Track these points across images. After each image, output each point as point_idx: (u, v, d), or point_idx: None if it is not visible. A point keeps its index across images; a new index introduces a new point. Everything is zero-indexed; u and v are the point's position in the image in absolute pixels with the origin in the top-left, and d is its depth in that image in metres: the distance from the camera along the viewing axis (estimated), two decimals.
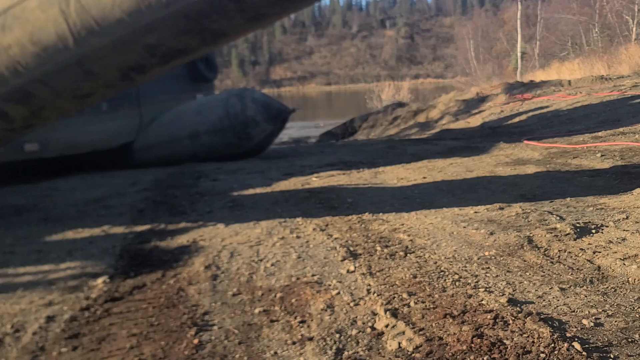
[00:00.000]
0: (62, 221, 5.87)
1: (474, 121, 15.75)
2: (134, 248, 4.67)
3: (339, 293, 3.35)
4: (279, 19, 5.40)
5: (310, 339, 2.76)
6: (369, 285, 3.43)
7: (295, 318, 3.03)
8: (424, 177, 7.22)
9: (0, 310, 3.34)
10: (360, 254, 4.07)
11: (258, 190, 7.22)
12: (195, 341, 2.79)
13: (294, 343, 2.73)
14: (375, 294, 3.27)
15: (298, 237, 4.69)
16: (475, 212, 5.13)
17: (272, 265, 3.97)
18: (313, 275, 3.69)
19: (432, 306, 3.06)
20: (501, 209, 5.18)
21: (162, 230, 5.28)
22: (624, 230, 4.26)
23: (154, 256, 4.43)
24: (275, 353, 2.65)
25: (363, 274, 3.64)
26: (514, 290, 3.25)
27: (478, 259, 3.85)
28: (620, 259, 3.64)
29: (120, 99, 10.06)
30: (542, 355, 2.45)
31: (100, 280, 3.80)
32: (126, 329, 3.01)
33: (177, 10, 4.39)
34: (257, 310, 3.16)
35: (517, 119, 14.31)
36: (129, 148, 11.01)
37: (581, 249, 3.91)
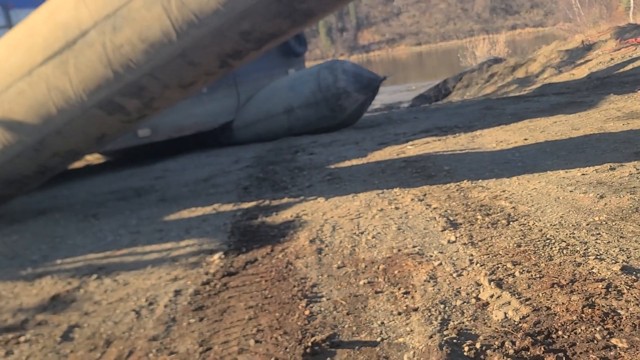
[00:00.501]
0: (177, 201, 6.38)
1: (580, 72, 14.67)
2: (243, 224, 5.01)
3: (440, 264, 3.41)
4: None
5: (415, 309, 2.86)
6: (471, 255, 3.45)
7: (399, 289, 3.14)
8: (525, 139, 6.93)
9: (135, 285, 3.78)
10: (461, 224, 4.08)
11: (354, 162, 7.35)
12: (307, 312, 3.00)
13: (399, 314, 2.85)
14: (478, 264, 3.29)
15: (396, 208, 4.76)
16: (583, 175, 4.90)
17: (373, 237, 4.09)
18: (414, 247, 3.77)
19: (538, 276, 3.03)
20: (612, 169, 4.90)
21: (266, 206, 5.59)
22: None
23: (262, 232, 4.73)
24: (382, 323, 2.79)
25: (464, 244, 3.66)
26: (628, 257, 3.12)
27: (587, 224, 3.71)
28: None
29: (218, 82, 10.55)
30: None
31: (216, 257, 4.14)
32: (243, 302, 3.29)
33: None
34: (361, 282, 3.31)
35: (629, 67, 13.13)
36: (229, 127, 11.58)
37: None
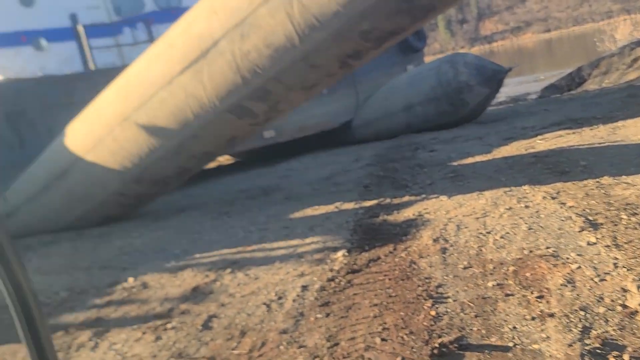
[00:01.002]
0: (301, 199, 6.61)
1: None
2: (365, 223, 5.05)
3: (579, 267, 3.16)
4: None
5: (551, 315, 2.69)
6: (616, 258, 3.16)
7: (532, 293, 2.97)
8: None
9: (265, 279, 3.98)
10: (602, 224, 3.75)
11: (478, 159, 7.08)
12: (433, 313, 2.96)
13: (533, 318, 2.70)
14: (625, 269, 3.01)
15: (526, 206, 4.51)
16: None
17: (501, 237, 3.91)
18: (547, 248, 3.54)
19: None
20: None
21: (388, 204, 5.58)
22: None
23: (384, 230, 4.73)
24: (514, 328, 2.66)
25: (607, 246, 3.37)
26: None
27: None
28: None
29: (337, 82, 10.76)
30: None
31: (340, 254, 4.23)
32: (368, 299, 3.32)
33: None
34: (490, 284, 3.19)
35: None
36: (349, 126, 11.74)
37: None
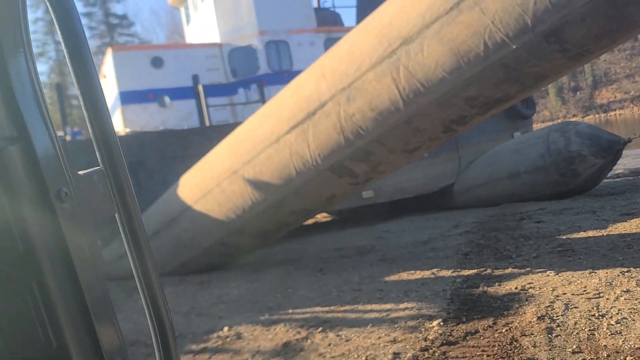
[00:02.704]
0: (396, 262, 6.50)
1: None
2: (463, 292, 4.84)
3: None
4: (607, 51, 4.97)
5: None
6: None
7: None
8: None
9: (356, 342, 3.91)
10: None
11: (590, 234, 6.58)
12: None
13: None
14: None
15: None
16: None
17: (617, 322, 3.56)
18: None
19: None
20: None
21: (488, 275, 5.32)
22: None
23: (483, 302, 4.50)
24: None
25: None
26: None
27: None
28: None
29: (440, 145, 10.69)
30: None
31: (435, 323, 4.06)
32: None
33: (495, 61, 4.51)
34: None
35: None
36: (449, 190, 11.49)
37: None
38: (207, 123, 10.34)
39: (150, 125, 11.02)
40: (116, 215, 0.70)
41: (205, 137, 8.29)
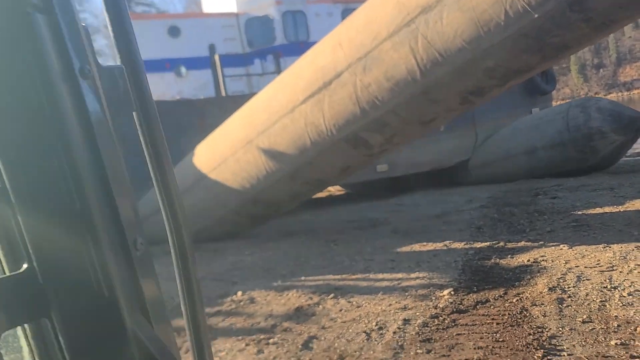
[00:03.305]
0: (409, 234, 6.52)
1: None
2: (474, 264, 4.86)
3: None
4: (631, 22, 4.84)
5: None
6: None
7: None
8: None
9: (367, 308, 3.96)
10: None
11: (606, 210, 6.52)
12: None
13: None
14: None
15: None
16: None
17: (629, 294, 3.56)
18: None
19: None
20: None
21: (501, 247, 5.32)
22: None
23: (495, 273, 4.51)
24: None
25: None
26: None
27: None
28: None
29: (456, 120, 10.56)
30: None
31: (445, 292, 4.09)
32: (472, 341, 3.17)
33: (515, 30, 4.43)
34: (612, 342, 2.90)
35: None
36: (464, 166, 11.41)
37: None
38: (223, 93, 10.33)
39: (167, 94, 11.04)
40: (134, 115, 0.71)
41: (221, 108, 8.31)
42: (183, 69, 11.42)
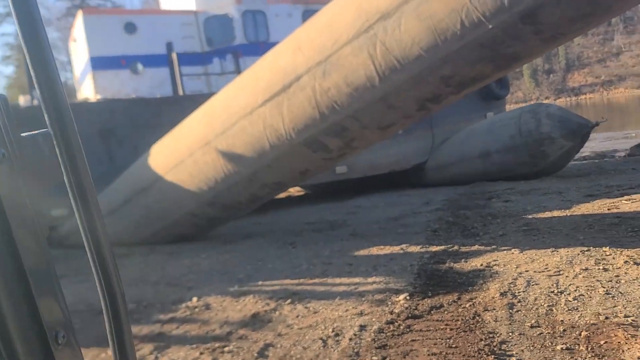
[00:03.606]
0: (367, 237, 6.58)
1: None
2: (430, 268, 4.95)
3: None
4: (580, 35, 5.03)
5: None
6: None
7: None
8: None
9: (324, 314, 3.98)
10: None
11: (555, 214, 6.77)
12: None
13: None
14: None
15: (605, 269, 4.24)
16: None
17: (574, 299, 3.70)
18: (626, 317, 3.31)
19: None
20: None
21: (455, 251, 5.44)
22: None
23: (449, 277, 4.61)
24: None
25: None
26: None
27: None
28: None
29: (414, 123, 10.75)
30: None
31: (401, 297, 4.15)
32: (426, 347, 3.23)
33: (471, 40, 4.53)
34: (558, 347, 3.01)
35: None
36: (422, 168, 11.62)
37: None
38: (181, 92, 10.15)
39: (122, 92, 10.76)
40: (65, 180, 0.66)
41: (178, 107, 8.16)
42: (140, 66, 11.16)
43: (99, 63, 10.73)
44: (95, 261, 0.69)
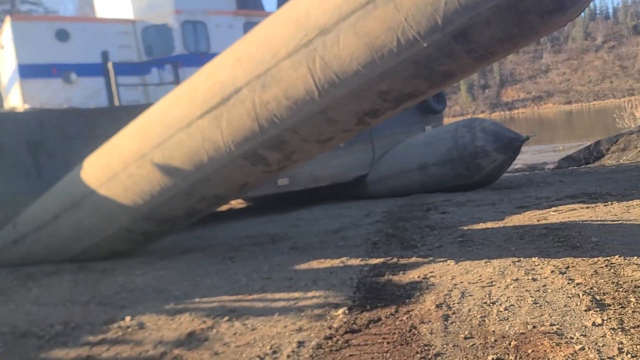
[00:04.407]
0: (307, 251, 6.57)
1: None
2: (369, 281, 4.98)
3: (583, 348, 3.06)
4: (509, 54, 5.27)
5: None
6: (621, 343, 3.06)
7: None
8: None
9: (262, 331, 3.91)
10: (609, 305, 3.66)
11: (489, 225, 7.02)
12: None
13: None
14: (629, 355, 2.91)
15: (534, 279, 4.42)
16: None
17: (505, 309, 3.83)
18: (552, 325, 3.45)
19: None
20: None
21: (394, 264, 5.52)
22: None
23: (387, 290, 4.66)
24: None
25: (613, 329, 3.27)
26: None
27: None
28: None
29: (355, 136, 10.90)
30: None
31: (340, 311, 4.15)
32: None
33: (407, 57, 4.64)
34: (490, 358, 3.09)
35: None
36: (363, 180, 11.78)
37: None
38: (117, 103, 9.83)
39: (53, 102, 10.29)
40: None
41: (113, 118, 7.87)
42: (73, 75, 10.72)
43: (28, 71, 10.23)
44: None
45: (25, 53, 10.14)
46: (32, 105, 9.93)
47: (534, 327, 3.45)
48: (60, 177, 7.09)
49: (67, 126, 8.47)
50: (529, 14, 4.18)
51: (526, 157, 22.88)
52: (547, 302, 3.86)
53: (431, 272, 5.00)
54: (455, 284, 4.54)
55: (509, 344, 3.24)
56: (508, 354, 3.12)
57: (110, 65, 9.71)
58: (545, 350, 3.10)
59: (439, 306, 4.03)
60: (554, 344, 3.17)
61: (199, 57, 10.92)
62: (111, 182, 6.37)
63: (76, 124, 8.54)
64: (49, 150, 8.36)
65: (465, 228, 6.97)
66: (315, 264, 5.80)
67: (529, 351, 3.12)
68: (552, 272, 4.52)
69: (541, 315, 3.62)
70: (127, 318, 4.40)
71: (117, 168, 6.34)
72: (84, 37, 10.73)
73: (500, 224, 6.99)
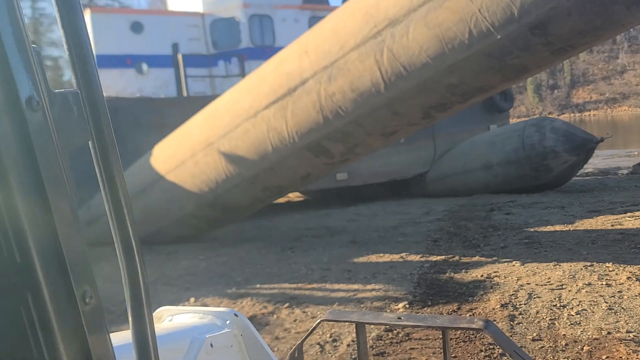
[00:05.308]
0: (366, 245, 6.54)
1: None
2: (430, 277, 4.90)
3: None
4: (589, 48, 5.01)
5: None
6: None
7: None
8: None
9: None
10: None
11: (557, 228, 6.72)
12: None
13: None
14: None
15: (608, 285, 4.19)
16: None
17: (576, 313, 3.65)
18: (628, 332, 3.26)
19: None
20: None
21: (456, 262, 5.39)
22: None
23: (449, 287, 4.56)
24: None
25: None
26: None
27: None
28: None
29: (416, 133, 10.72)
30: None
31: (400, 305, 4.10)
32: (425, 356, 3.18)
33: (479, 50, 4.50)
34: None
35: None
36: (423, 178, 11.57)
37: None
38: (185, 93, 10.12)
39: (127, 91, 10.75)
40: (90, 144, 0.64)
41: (182, 108, 8.13)
42: (145, 66, 11.14)
43: (104, 61, 10.72)
44: (117, 234, 0.66)
45: (103, 44, 10.62)
46: (107, 93, 10.42)
47: (609, 333, 3.27)
48: (132, 162, 7.39)
49: (139, 114, 8.82)
50: (615, 5, 3.95)
51: (597, 161, 21.72)
52: (623, 308, 3.65)
53: (495, 272, 4.85)
54: (521, 285, 4.38)
55: (581, 349, 3.09)
56: (580, 358, 2.97)
57: (180, 57, 10.01)
58: (621, 357, 2.93)
59: (504, 306, 3.90)
60: (631, 351, 2.99)
61: (264, 51, 11.07)
62: (179, 169, 6.58)
63: (148, 112, 8.88)
64: (122, 136, 8.73)
65: (532, 230, 6.71)
66: (374, 258, 5.76)
67: (603, 357, 2.96)
68: (629, 278, 4.27)
69: (617, 322, 3.43)
70: (192, 299, 4.53)
71: (185, 156, 6.54)
72: (156, 30, 11.12)
73: (570, 227, 6.68)
